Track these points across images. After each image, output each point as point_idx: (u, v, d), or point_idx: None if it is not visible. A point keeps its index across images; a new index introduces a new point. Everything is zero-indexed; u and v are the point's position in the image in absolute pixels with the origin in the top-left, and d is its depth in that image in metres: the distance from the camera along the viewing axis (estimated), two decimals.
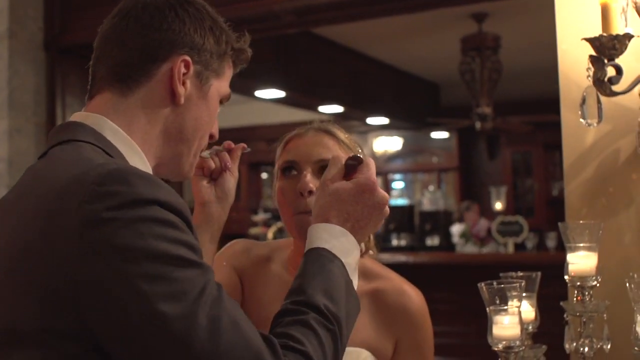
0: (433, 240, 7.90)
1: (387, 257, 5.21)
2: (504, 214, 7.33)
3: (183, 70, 1.11)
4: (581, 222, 1.60)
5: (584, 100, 1.65)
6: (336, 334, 1.00)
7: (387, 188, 9.10)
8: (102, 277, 0.88)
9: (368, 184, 1.12)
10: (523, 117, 7.24)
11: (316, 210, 1.13)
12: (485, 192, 8.35)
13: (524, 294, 1.46)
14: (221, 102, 1.20)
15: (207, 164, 1.34)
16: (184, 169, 1.18)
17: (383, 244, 8.00)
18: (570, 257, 1.52)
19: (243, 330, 0.92)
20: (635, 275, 1.47)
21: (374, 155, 8.90)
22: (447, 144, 8.75)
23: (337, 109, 7.12)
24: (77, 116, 1.12)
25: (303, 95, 6.51)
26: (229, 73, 1.21)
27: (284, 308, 1.02)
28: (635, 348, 1.44)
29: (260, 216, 8.25)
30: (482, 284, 1.40)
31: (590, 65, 1.60)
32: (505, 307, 1.38)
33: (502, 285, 1.40)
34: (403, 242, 8.10)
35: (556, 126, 1.87)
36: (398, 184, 9.19)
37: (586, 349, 1.50)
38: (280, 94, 6.27)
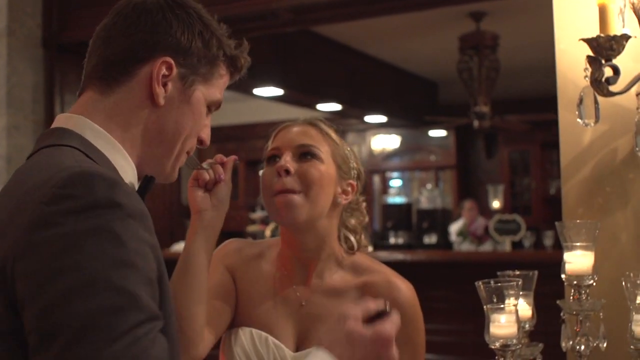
0: (430, 239, 7.90)
1: (384, 254, 5.21)
2: (502, 212, 7.33)
3: (164, 72, 1.12)
4: (578, 221, 1.60)
5: (581, 100, 1.66)
6: None
7: (385, 186, 9.11)
8: (34, 275, 0.90)
9: (387, 337, 1.13)
10: (521, 116, 7.25)
11: (327, 343, 1.17)
12: (483, 190, 8.35)
13: (521, 293, 1.46)
14: (209, 109, 1.20)
15: (202, 176, 1.40)
16: (165, 170, 1.18)
17: (380, 242, 8.03)
18: (567, 256, 1.53)
19: None
20: (631, 274, 1.48)
21: (371, 153, 8.91)
22: (445, 142, 8.75)
23: (336, 107, 7.13)
24: (60, 119, 1.13)
25: (301, 93, 6.51)
26: (221, 80, 1.20)
27: None
28: (631, 346, 1.45)
29: (258, 214, 8.22)
30: (480, 283, 1.41)
31: (588, 66, 1.60)
32: (503, 306, 1.39)
33: (500, 284, 1.41)
34: (400, 240, 8.12)
35: (554, 125, 1.87)
36: (396, 182, 9.20)
37: (582, 347, 1.51)
38: (278, 91, 6.27)
